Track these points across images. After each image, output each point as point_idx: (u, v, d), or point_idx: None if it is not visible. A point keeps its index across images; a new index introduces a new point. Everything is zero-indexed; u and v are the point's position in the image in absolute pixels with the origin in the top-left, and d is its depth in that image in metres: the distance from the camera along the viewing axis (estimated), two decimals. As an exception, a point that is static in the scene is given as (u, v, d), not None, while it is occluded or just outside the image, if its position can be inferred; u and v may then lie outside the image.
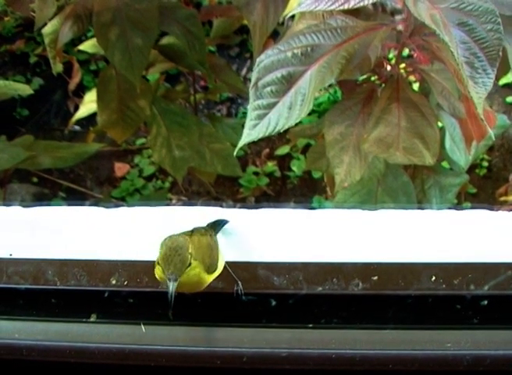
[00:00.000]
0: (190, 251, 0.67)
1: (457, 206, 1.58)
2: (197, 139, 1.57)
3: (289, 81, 0.96)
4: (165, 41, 1.57)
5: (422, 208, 1.22)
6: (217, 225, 0.77)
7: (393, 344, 0.71)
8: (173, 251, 0.67)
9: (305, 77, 0.96)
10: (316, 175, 2.07)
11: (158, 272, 0.68)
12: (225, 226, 0.77)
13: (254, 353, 0.71)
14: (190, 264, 0.67)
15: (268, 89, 0.95)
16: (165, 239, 0.68)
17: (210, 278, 0.71)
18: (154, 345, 0.72)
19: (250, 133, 0.94)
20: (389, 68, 1.15)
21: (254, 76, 0.95)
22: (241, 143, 0.94)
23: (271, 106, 0.95)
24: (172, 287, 0.66)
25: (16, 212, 0.85)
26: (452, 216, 0.82)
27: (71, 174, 2.16)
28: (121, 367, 0.73)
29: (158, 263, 0.67)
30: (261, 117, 0.95)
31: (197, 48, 1.43)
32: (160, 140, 1.57)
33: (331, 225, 0.81)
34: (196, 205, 0.82)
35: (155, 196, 2.05)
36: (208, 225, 0.76)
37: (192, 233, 0.72)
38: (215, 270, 0.71)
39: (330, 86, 2.15)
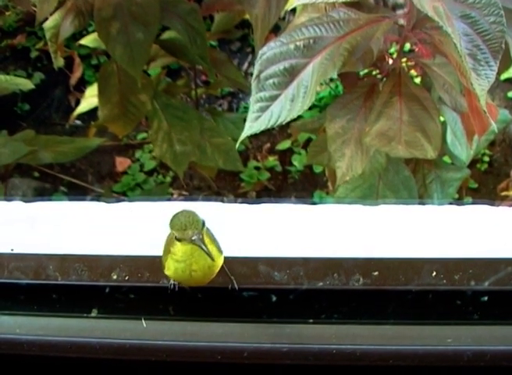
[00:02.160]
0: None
1: (458, 201, 1.58)
2: (198, 134, 1.57)
3: (291, 73, 0.95)
4: (166, 35, 1.57)
5: (423, 203, 1.22)
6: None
7: (394, 340, 0.71)
8: (185, 216, 0.66)
9: (307, 70, 0.95)
10: (317, 170, 2.07)
11: (170, 264, 0.67)
12: (226, 222, 0.77)
13: (255, 348, 0.71)
14: (204, 224, 0.66)
15: (271, 81, 0.95)
16: (172, 217, 0.67)
17: (215, 267, 0.69)
18: (155, 340, 0.72)
19: (253, 126, 0.94)
20: (390, 62, 1.14)
21: (256, 68, 0.95)
22: (243, 135, 0.94)
23: (273, 98, 0.95)
24: (200, 243, 0.65)
25: (17, 207, 0.85)
26: (453, 212, 0.82)
27: (72, 169, 2.16)
28: (122, 362, 0.73)
29: (174, 240, 0.67)
30: (263, 109, 0.94)
31: (198, 43, 1.42)
32: (161, 134, 1.56)
33: (332, 220, 0.81)
34: (197, 199, 0.81)
35: (156, 191, 2.05)
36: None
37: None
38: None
39: (331, 80, 2.14)
